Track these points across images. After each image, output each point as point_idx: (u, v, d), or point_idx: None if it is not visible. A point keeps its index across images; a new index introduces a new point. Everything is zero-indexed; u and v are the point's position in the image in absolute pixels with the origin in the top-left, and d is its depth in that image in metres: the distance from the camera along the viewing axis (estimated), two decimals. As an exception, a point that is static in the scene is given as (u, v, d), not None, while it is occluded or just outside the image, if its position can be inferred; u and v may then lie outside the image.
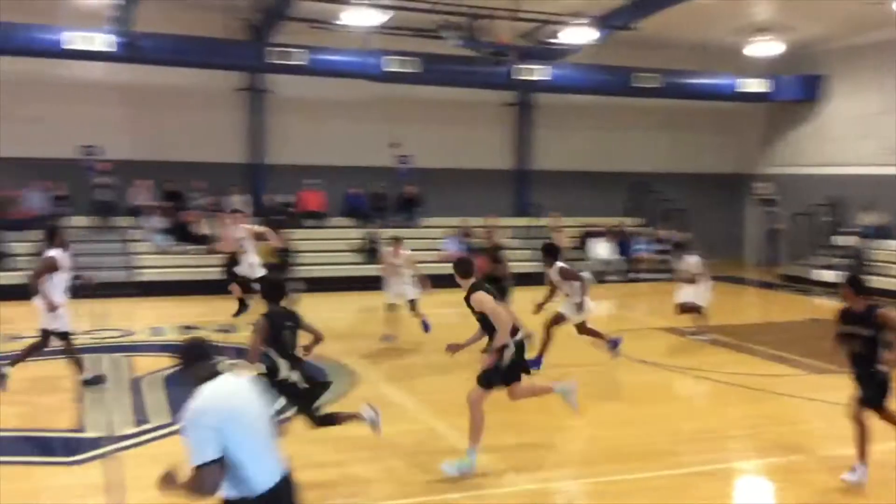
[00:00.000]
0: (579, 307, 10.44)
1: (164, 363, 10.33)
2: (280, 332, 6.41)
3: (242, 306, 13.31)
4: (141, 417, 8.19)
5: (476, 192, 21.13)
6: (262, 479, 3.66)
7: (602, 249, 20.86)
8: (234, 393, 3.76)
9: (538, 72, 20.07)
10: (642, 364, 11.02)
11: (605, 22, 18.12)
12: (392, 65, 18.77)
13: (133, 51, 16.80)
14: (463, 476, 6.44)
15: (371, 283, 14.38)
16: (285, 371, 6.36)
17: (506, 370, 6.75)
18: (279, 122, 20.31)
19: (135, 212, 18.34)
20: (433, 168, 20.94)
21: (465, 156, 21.64)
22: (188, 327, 12.76)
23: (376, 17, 17.06)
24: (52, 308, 8.86)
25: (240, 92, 20.00)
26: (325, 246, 18.88)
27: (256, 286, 12.10)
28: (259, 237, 13.37)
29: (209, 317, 13.69)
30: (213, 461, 3.51)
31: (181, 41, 17.58)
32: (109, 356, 10.80)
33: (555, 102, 22.30)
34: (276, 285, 6.88)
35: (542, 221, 20.07)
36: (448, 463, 6.56)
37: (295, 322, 6.60)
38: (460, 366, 8.68)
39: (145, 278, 17.02)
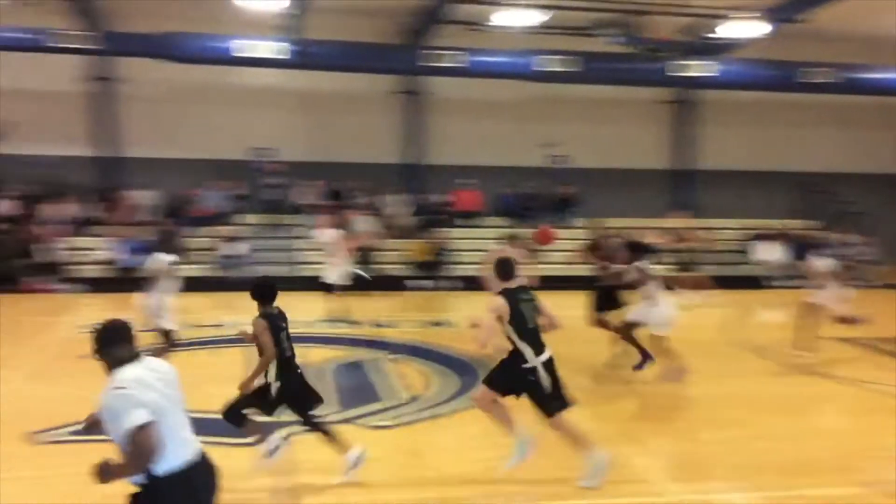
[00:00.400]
0: (657, 314, 9.35)
1: (330, 354, 10.86)
2: (278, 333, 6.24)
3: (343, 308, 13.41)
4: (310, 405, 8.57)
5: (631, 193, 20.71)
6: (176, 458, 3.68)
7: (769, 253, 19.84)
8: (152, 374, 3.74)
9: (701, 68, 19.38)
10: (812, 375, 10.41)
11: (771, 15, 17.27)
12: (550, 64, 18.69)
13: (300, 57, 17.67)
14: (599, 475, 6.19)
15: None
16: (272, 375, 6.21)
17: (547, 394, 6.09)
18: (435, 123, 20.73)
19: (301, 210, 19.26)
20: (587, 168, 20.70)
21: (619, 155, 21.27)
22: (350, 322, 13.25)
23: (533, 17, 17.07)
24: (158, 310, 9.08)
25: (397, 94, 20.58)
26: (480, 245, 19.03)
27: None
28: (341, 240, 13.58)
29: (367, 312, 14.12)
30: (147, 423, 3.52)
31: (344, 47, 18.30)
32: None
33: (716, 99, 21.50)
34: (267, 287, 6.53)
35: (703, 223, 19.40)
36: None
37: (287, 324, 6.41)
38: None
39: (309, 273, 17.79)
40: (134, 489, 3.70)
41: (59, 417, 7.85)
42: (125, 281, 16.25)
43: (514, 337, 6.09)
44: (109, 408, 3.58)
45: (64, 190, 18.21)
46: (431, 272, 17.94)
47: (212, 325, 12.96)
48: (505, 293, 6.17)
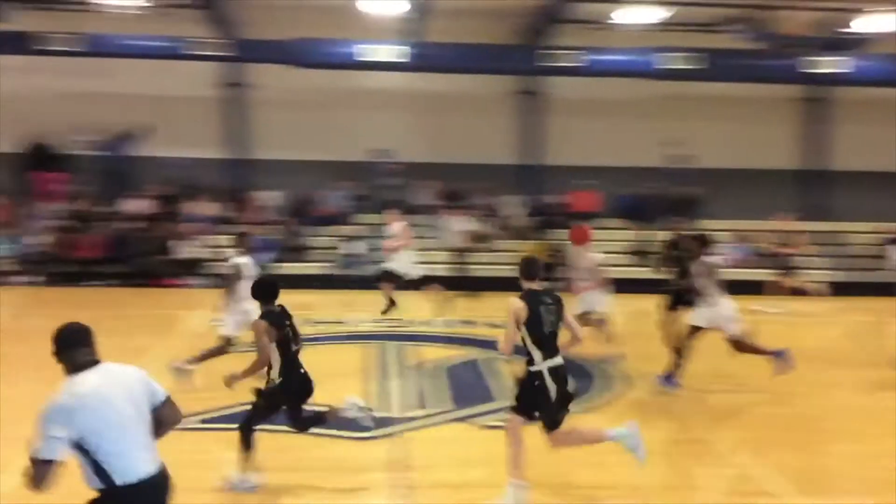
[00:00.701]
0: (719, 314, 8.84)
1: (444, 353, 10.97)
2: (281, 331, 6.20)
3: (392, 304, 13.20)
4: (423, 402, 8.71)
5: (757, 193, 19.90)
6: (127, 472, 3.59)
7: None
8: (104, 385, 3.63)
9: (835, 63, 18.41)
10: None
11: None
12: (674, 62, 18.20)
13: (420, 60, 17.93)
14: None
15: (643, 286, 14.05)
16: (275, 373, 6.18)
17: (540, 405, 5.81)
18: (553, 123, 20.59)
19: (419, 210, 19.50)
20: (711, 168, 20.04)
21: (745, 154, 20.48)
22: (465, 321, 13.36)
23: (654, 14, 16.72)
24: (235, 312, 9.13)
25: (514, 95, 20.57)
26: (598, 247, 18.74)
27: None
28: (408, 236, 13.37)
29: (480, 311, 14.17)
30: (48, 461, 3.47)
31: (462, 49, 18.44)
32: (395, 343, 11.60)
33: (850, 96, 20.38)
34: (267, 285, 6.51)
35: (839, 226, 18.46)
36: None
37: (292, 321, 6.40)
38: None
39: (424, 272, 18.02)
40: (93, 494, 3.69)
41: (189, 406, 8.24)
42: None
43: (528, 340, 5.81)
44: (41, 413, 3.52)
45: (197, 190, 19.18)
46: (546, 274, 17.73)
47: (332, 322, 13.35)
48: (527, 295, 5.86)
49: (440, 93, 20.14)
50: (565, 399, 5.87)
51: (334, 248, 18.08)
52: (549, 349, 5.81)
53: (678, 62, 18.22)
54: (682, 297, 9.76)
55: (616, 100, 20.27)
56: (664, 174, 20.19)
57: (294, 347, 6.28)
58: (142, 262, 17.36)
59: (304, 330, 12.35)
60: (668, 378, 9.10)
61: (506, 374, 9.80)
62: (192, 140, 19.53)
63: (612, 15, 17.16)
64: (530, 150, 20.79)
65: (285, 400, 6.22)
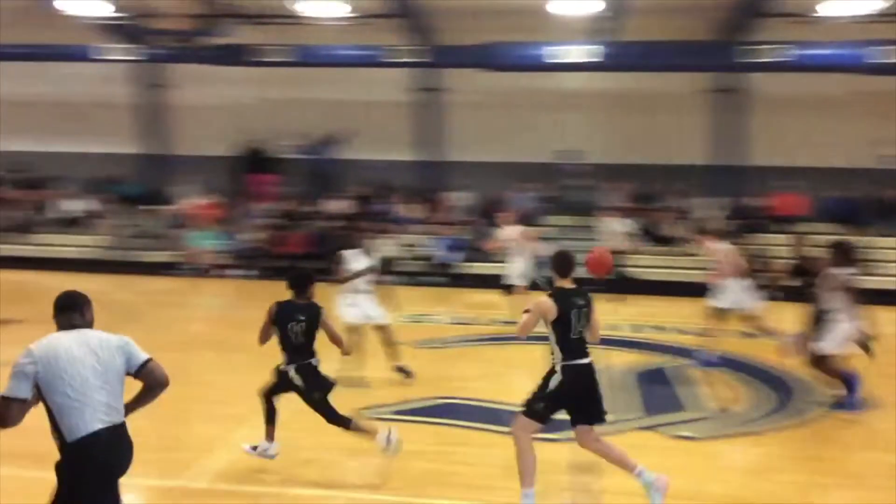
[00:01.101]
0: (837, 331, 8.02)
1: (632, 359, 10.77)
2: (286, 322, 6.35)
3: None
4: (613, 407, 8.58)
5: None
6: (75, 429, 3.87)
7: None
8: (71, 345, 3.99)
9: None
10: None
11: None
12: (889, 55, 16.76)
13: (613, 59, 17.67)
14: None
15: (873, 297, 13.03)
16: (282, 362, 6.42)
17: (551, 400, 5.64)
18: (751, 121, 19.58)
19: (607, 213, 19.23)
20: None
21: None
22: (655, 327, 13.04)
23: (867, 6, 15.49)
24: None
25: (708, 93, 19.76)
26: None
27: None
28: (524, 240, 12.92)
29: (674, 318, 13.77)
30: (15, 398, 3.84)
31: (658, 47, 17.94)
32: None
33: None
34: (300, 276, 6.61)
35: None
36: None
37: (309, 317, 6.41)
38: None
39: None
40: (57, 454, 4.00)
41: (379, 397, 8.65)
42: (443, 275, 17.57)
43: (553, 339, 5.65)
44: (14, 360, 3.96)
45: (392, 191, 20.00)
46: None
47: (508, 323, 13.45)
48: (557, 295, 5.64)
49: (629, 92, 19.74)
50: (583, 400, 5.70)
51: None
52: (573, 351, 5.65)
53: (892, 56, 16.75)
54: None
55: (823, 96, 18.95)
56: (876, 176, 18.66)
57: (296, 342, 6.39)
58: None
59: (490, 329, 12.69)
60: (847, 400, 8.35)
61: (698, 382, 9.49)
62: (387, 143, 20.38)
63: (818, 7, 16.05)
64: (727, 150, 19.89)
65: (293, 387, 6.42)
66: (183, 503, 6.01)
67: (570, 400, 5.70)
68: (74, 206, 20.51)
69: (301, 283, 6.54)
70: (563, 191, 19.57)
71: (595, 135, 19.96)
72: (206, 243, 18.53)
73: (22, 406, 3.91)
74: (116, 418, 4.05)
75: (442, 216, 19.18)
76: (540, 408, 5.69)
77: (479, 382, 9.34)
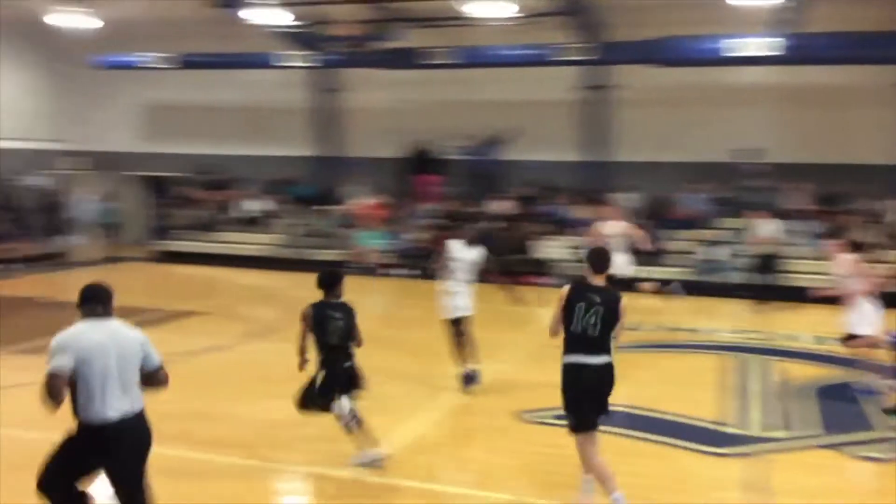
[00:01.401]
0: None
1: (814, 372, 10.00)
2: (323, 322, 6.35)
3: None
4: (787, 423, 8.01)
5: None
6: (93, 413, 4.26)
7: None
8: (95, 334, 4.33)
9: None
10: None
11: None
12: None
13: (796, 52, 16.53)
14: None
15: None
16: (316, 367, 6.38)
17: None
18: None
19: (788, 215, 18.08)
20: None
21: None
22: (838, 339, 12.06)
23: None
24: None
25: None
26: None
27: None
28: (629, 235, 12.60)
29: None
30: (57, 374, 4.15)
31: (845, 38, 16.55)
32: (756, 357, 10.86)
33: None
34: (331, 275, 6.63)
35: None
36: None
37: (346, 315, 6.48)
38: None
39: (797, 283, 16.60)
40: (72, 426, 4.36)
41: (542, 401, 8.49)
42: (624, 280, 17.00)
43: (561, 329, 5.60)
44: (49, 348, 4.27)
45: (556, 192, 19.74)
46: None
47: (687, 329, 12.90)
48: (575, 284, 5.67)
49: (810, 86, 18.40)
50: (581, 402, 5.54)
51: (692, 252, 17.43)
52: (576, 346, 5.53)
53: None
54: None
55: None
56: None
57: (331, 342, 6.38)
58: (502, 260, 18.28)
59: (656, 336, 12.26)
60: None
61: (887, 401, 8.67)
62: (551, 143, 20.13)
63: None
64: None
65: (332, 386, 6.39)
66: (346, 493, 6.12)
67: (580, 399, 5.58)
68: (254, 206, 21.69)
69: (333, 283, 6.59)
70: (738, 192, 18.55)
71: (771, 132, 18.76)
72: (372, 243, 19.06)
73: (65, 382, 4.22)
74: (132, 406, 4.40)
75: (607, 217, 18.68)
76: (571, 420, 5.64)
77: (640, 390, 8.99)
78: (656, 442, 7.20)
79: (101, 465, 4.43)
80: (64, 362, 4.20)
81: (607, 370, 5.53)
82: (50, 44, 22.16)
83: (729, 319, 13.71)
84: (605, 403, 5.58)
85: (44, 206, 21.51)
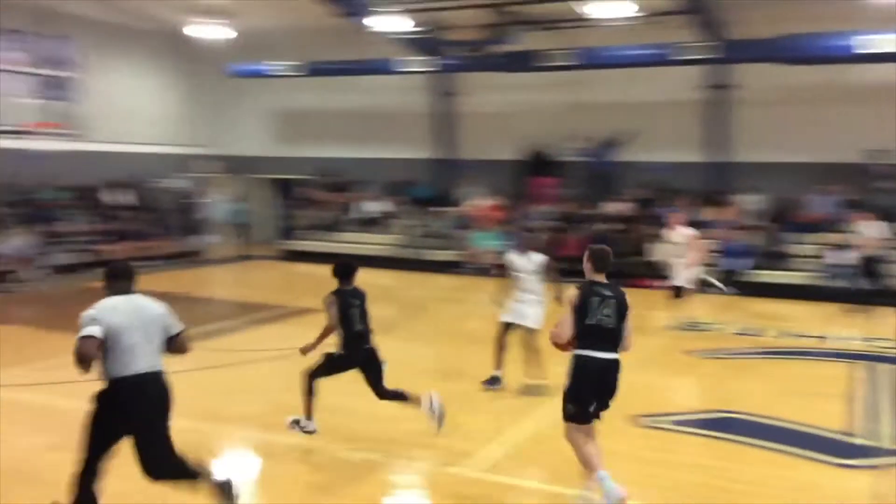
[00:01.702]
0: None
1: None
2: (347, 309, 6.88)
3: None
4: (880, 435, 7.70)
5: None
6: (123, 368, 4.76)
7: None
8: (123, 306, 4.86)
9: None
10: None
11: None
12: None
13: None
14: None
15: None
16: (339, 346, 6.88)
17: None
18: None
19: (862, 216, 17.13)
20: None
21: None
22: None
23: None
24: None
25: None
26: None
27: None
28: (691, 243, 12.65)
29: None
30: (89, 336, 4.65)
31: None
32: (889, 367, 10.45)
33: None
34: (347, 265, 7.16)
35: None
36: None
37: (362, 301, 7.02)
38: None
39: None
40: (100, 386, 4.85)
41: (660, 405, 8.49)
42: (730, 283, 16.63)
43: (576, 328, 5.68)
44: (80, 318, 4.75)
45: (675, 194, 19.36)
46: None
47: (814, 336, 12.49)
48: (584, 284, 5.77)
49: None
50: (590, 395, 5.69)
51: (819, 256, 16.77)
52: (592, 339, 5.65)
53: None
54: None
55: None
56: None
57: (356, 329, 6.88)
58: (619, 263, 18.11)
59: (781, 342, 11.96)
60: None
61: None
62: (670, 144, 19.79)
63: None
64: None
65: (351, 367, 6.92)
66: (460, 490, 6.32)
67: (588, 392, 5.71)
68: (374, 207, 22.33)
69: (350, 272, 7.14)
70: (870, 193, 17.70)
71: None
72: (487, 244, 19.27)
73: (95, 343, 4.69)
74: (155, 365, 4.94)
75: (730, 220, 18.23)
76: (570, 410, 5.75)
77: (763, 398, 8.82)
78: (780, 451, 7.07)
79: (125, 426, 4.84)
80: (95, 330, 4.70)
81: (618, 368, 5.77)
82: (188, 54, 23.54)
83: (859, 327, 13.16)
84: (609, 399, 5.79)
85: (181, 207, 22.85)
